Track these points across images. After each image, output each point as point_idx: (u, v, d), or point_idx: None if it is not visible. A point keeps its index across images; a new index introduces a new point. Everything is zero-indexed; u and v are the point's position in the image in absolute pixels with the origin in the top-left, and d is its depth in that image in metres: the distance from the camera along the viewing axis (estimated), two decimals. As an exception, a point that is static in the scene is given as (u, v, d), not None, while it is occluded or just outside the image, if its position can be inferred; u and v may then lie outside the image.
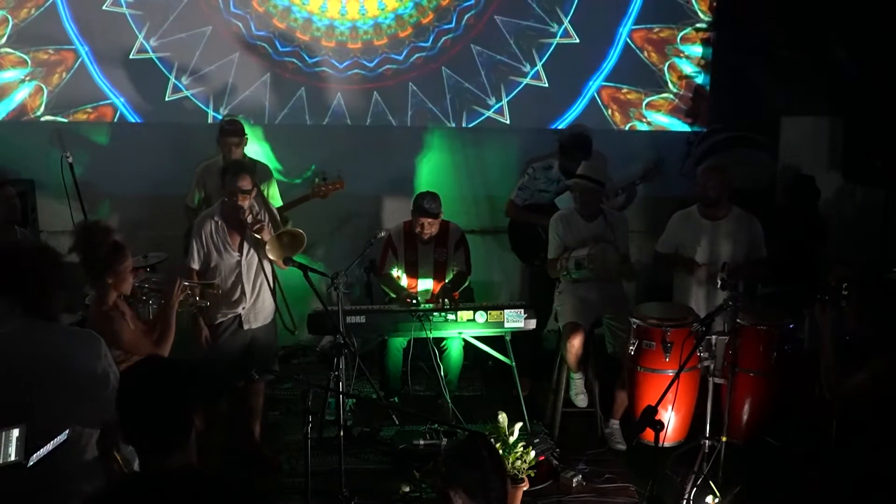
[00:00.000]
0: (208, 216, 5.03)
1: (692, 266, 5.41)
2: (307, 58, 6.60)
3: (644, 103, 6.82)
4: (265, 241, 4.93)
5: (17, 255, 3.40)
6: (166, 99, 6.60)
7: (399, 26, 6.63)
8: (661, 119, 6.87)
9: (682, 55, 6.80)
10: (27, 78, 6.54)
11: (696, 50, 6.78)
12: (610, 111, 6.82)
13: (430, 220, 5.55)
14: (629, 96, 6.83)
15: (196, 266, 4.96)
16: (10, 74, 6.53)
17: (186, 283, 4.47)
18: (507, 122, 6.78)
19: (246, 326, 5.04)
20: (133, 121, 6.64)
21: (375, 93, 6.68)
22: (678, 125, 6.88)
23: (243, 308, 5.01)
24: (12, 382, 3.28)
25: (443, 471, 3.03)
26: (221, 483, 2.49)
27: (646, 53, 6.78)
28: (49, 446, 3.25)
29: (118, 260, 3.98)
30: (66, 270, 3.45)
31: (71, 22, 6.48)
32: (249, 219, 4.91)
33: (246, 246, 4.98)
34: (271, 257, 4.96)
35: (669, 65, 6.80)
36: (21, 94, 6.58)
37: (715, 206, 5.41)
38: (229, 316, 5.01)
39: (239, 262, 4.97)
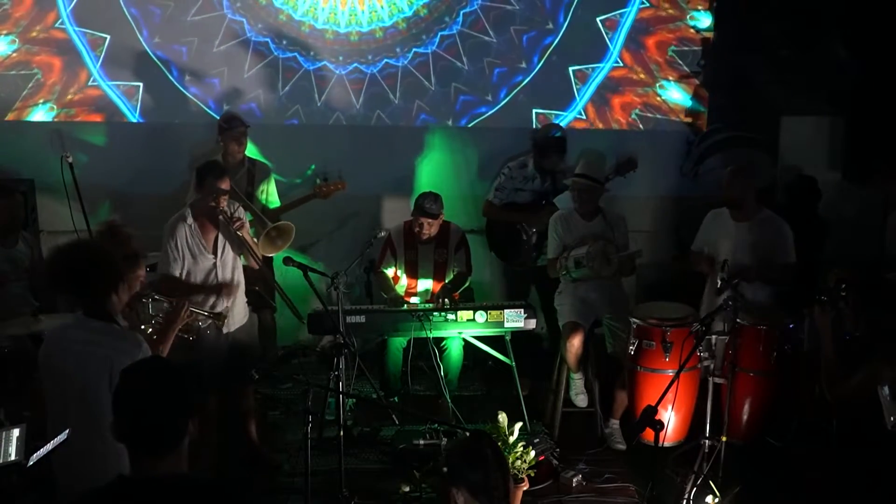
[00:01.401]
0: (180, 219, 4.91)
1: (708, 263, 5.38)
2: (307, 58, 6.61)
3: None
4: (247, 239, 4.87)
5: (76, 255, 3.42)
6: (166, 99, 6.61)
7: (399, 27, 6.63)
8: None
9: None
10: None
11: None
12: (610, 109, 6.83)
13: (429, 220, 5.55)
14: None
15: (180, 273, 4.85)
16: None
17: (194, 311, 4.42)
18: (507, 121, 6.78)
19: (225, 330, 4.94)
20: (134, 121, 6.64)
21: (375, 93, 6.68)
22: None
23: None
24: (56, 379, 3.32)
25: (444, 471, 3.02)
26: (215, 487, 2.48)
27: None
28: (49, 446, 3.25)
29: (133, 268, 3.95)
30: (120, 272, 3.45)
31: (73, 23, 6.49)
32: (226, 218, 4.84)
33: (220, 245, 4.92)
34: (265, 253, 4.94)
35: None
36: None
37: (739, 207, 5.31)
38: (208, 322, 4.88)
39: (214, 264, 4.91)
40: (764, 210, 5.36)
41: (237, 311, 5.03)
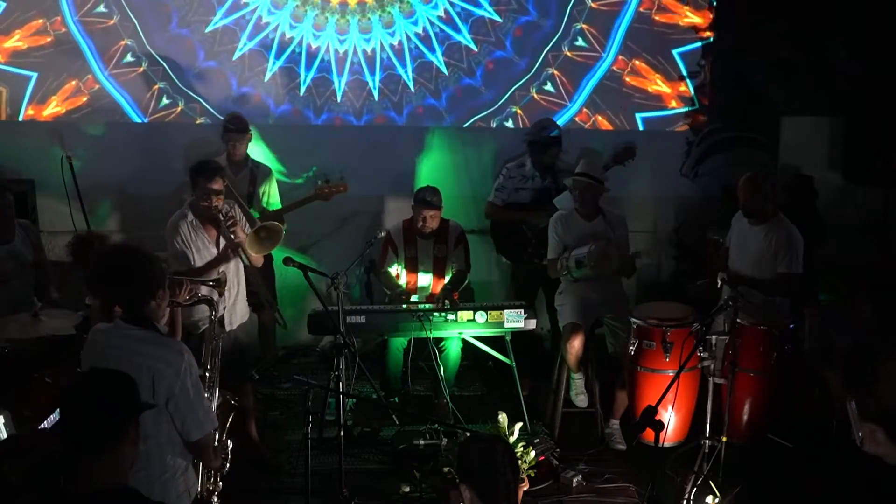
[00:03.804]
0: (181, 217, 4.90)
1: (722, 259, 5.39)
2: (308, 59, 6.61)
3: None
4: (239, 238, 4.87)
5: (120, 259, 3.39)
6: (170, 99, 6.61)
7: (401, 28, 6.63)
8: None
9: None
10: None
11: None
12: (609, 108, 6.83)
13: (432, 212, 5.56)
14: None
15: (198, 263, 4.84)
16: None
17: (193, 281, 4.38)
18: (507, 121, 6.79)
19: (228, 328, 4.93)
20: (137, 121, 6.64)
21: (376, 93, 6.69)
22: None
23: (223, 308, 4.86)
24: None
25: (445, 471, 3.01)
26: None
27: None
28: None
29: None
30: (161, 277, 3.40)
31: (76, 23, 6.49)
32: (221, 216, 4.84)
33: (223, 242, 4.91)
34: (252, 253, 4.93)
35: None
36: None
37: (752, 215, 5.22)
38: (211, 290, 4.78)
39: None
40: (778, 216, 5.21)
41: (238, 309, 5.04)
